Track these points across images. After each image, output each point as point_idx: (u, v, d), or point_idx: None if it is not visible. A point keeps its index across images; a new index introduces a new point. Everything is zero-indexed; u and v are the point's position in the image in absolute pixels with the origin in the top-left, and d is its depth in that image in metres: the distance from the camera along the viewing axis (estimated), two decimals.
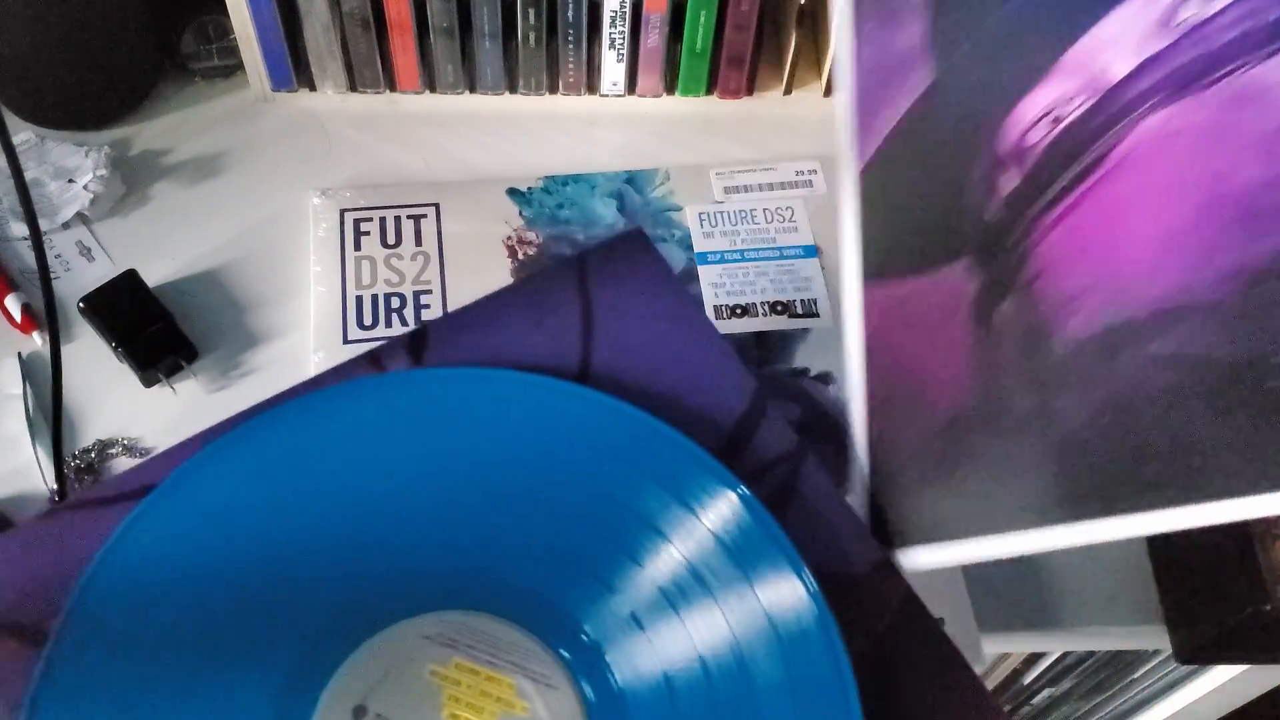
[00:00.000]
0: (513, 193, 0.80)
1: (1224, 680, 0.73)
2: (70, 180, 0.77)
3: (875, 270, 0.53)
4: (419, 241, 0.77)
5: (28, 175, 0.76)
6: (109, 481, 0.52)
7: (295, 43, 0.82)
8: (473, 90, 0.85)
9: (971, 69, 0.46)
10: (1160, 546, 0.58)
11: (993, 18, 0.46)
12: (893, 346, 0.53)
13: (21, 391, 0.68)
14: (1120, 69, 0.42)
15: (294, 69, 0.83)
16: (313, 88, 0.85)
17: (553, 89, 0.84)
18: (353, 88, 0.84)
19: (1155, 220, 0.41)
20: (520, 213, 0.79)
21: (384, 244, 0.77)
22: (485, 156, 0.83)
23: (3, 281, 0.73)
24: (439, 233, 0.77)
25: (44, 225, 0.75)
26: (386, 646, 0.48)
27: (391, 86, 0.84)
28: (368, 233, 0.77)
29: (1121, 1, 0.41)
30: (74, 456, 0.65)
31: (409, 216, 0.78)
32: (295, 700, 0.46)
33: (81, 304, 0.70)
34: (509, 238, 0.78)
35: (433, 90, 0.85)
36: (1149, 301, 0.40)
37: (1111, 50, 0.42)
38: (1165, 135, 0.41)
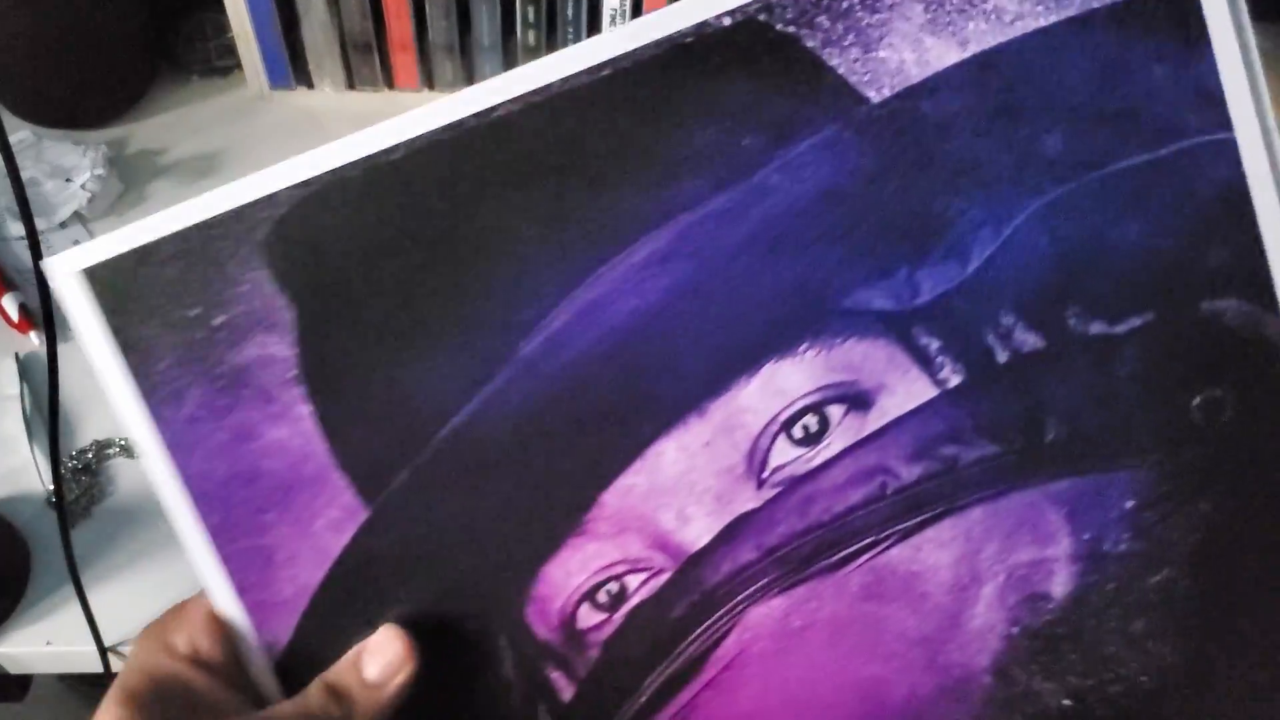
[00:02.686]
0: None
1: None
2: (67, 179, 0.77)
3: None
4: None
5: (25, 174, 0.75)
6: None
7: (293, 41, 0.81)
8: None
9: (435, 504, 0.33)
10: None
11: (448, 431, 0.33)
12: None
13: (18, 392, 0.67)
14: (698, 530, 0.33)
15: (292, 67, 0.83)
16: (311, 86, 0.84)
17: None
18: (351, 86, 0.84)
19: None
20: None
21: None
22: None
23: (0, 281, 0.72)
24: None
25: (41, 224, 0.75)
26: None
27: (390, 85, 0.84)
28: None
29: (677, 424, 0.33)
30: (71, 457, 0.65)
31: None
32: None
33: None
34: None
35: (431, 88, 0.84)
36: None
37: (675, 498, 0.33)
38: (788, 631, 0.34)
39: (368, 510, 0.33)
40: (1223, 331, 0.32)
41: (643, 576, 0.34)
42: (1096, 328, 0.32)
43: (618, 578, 0.34)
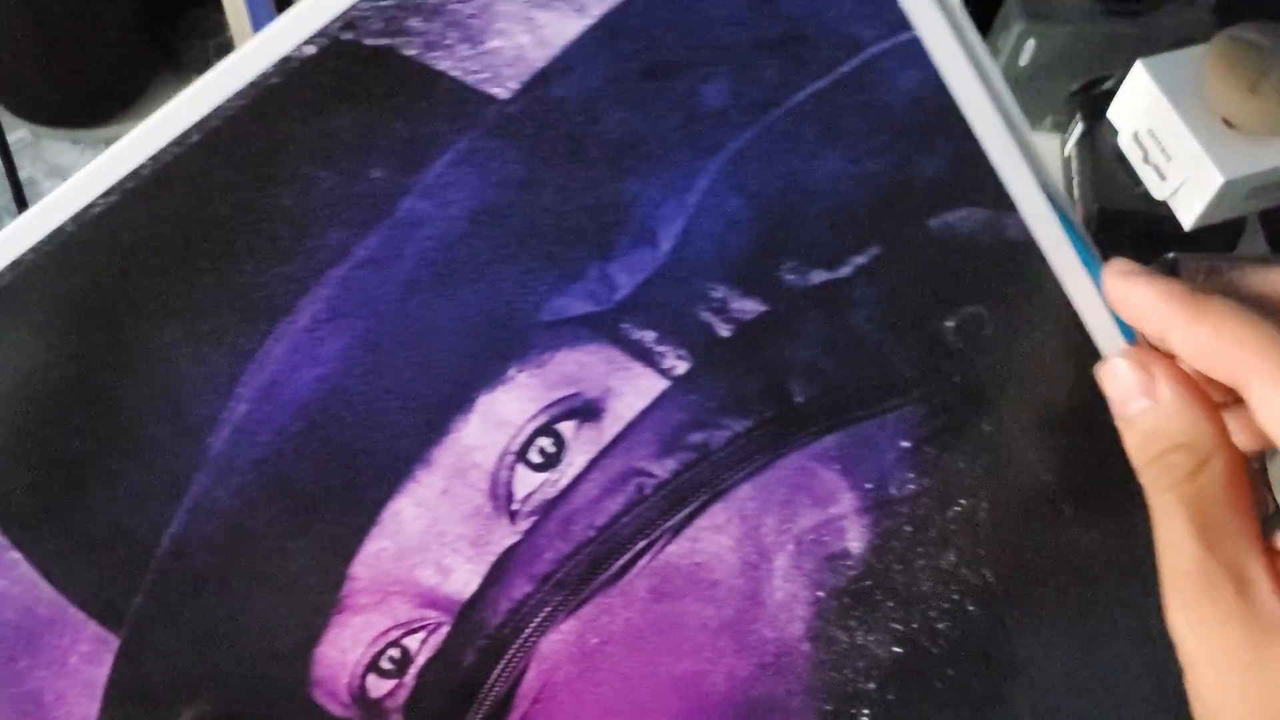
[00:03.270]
0: None
1: None
2: (64, 179, 0.74)
3: None
4: None
5: (22, 174, 0.73)
6: None
7: None
8: None
9: (183, 617, 0.32)
10: None
11: (167, 546, 0.31)
12: None
13: None
14: (464, 578, 0.31)
15: None
16: None
17: None
18: None
19: None
20: None
21: None
22: None
23: None
24: None
25: None
26: None
27: None
28: None
29: (405, 480, 0.31)
30: None
31: None
32: None
33: None
34: None
35: None
36: None
37: (429, 553, 0.31)
38: (587, 651, 0.32)
39: (118, 637, 0.31)
40: (961, 244, 0.29)
41: (421, 636, 0.32)
42: (818, 276, 0.29)
43: (396, 643, 0.32)
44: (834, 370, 0.30)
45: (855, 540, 0.32)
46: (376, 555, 0.31)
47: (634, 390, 0.30)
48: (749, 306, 0.29)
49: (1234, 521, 0.26)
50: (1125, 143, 0.62)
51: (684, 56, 0.27)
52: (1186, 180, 0.60)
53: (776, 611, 0.32)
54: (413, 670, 0.32)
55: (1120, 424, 0.28)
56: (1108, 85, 0.64)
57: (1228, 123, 0.59)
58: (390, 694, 0.32)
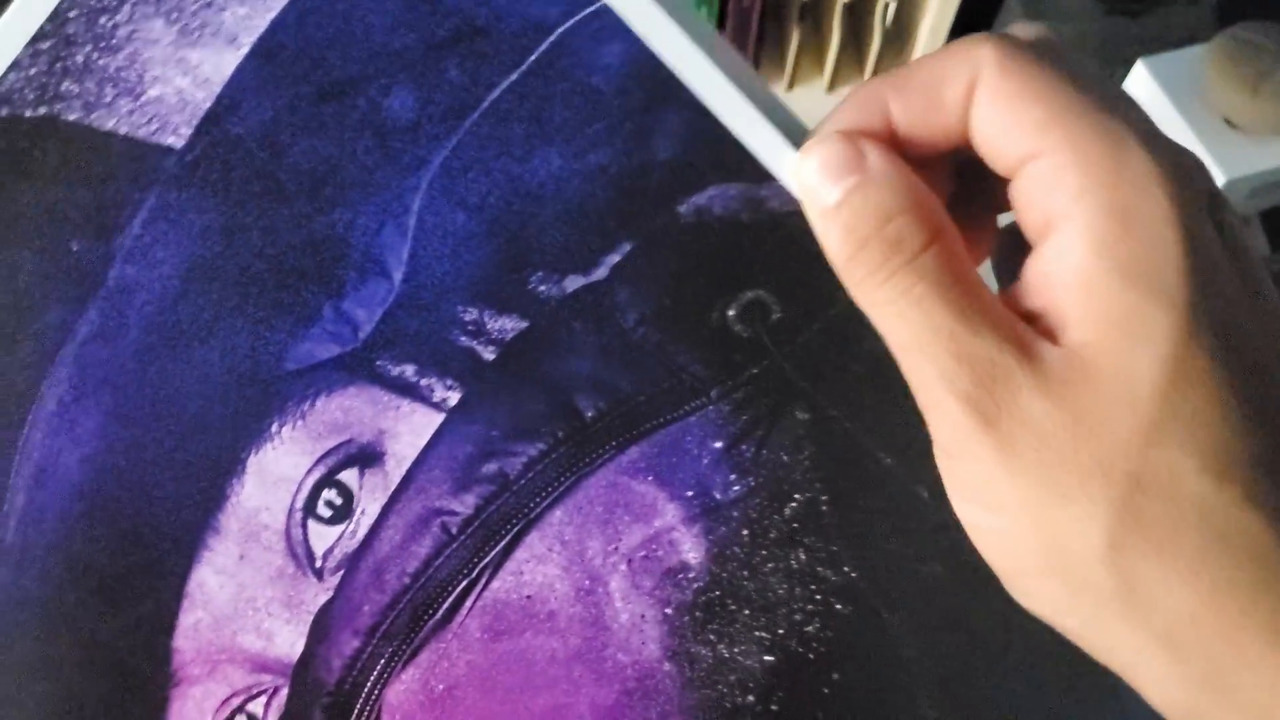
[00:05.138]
0: None
1: None
2: None
3: None
4: None
5: None
6: None
7: None
8: None
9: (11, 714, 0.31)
10: None
11: None
12: None
13: None
14: (288, 639, 0.30)
15: None
16: None
17: None
18: None
19: None
20: None
21: None
22: None
23: None
24: None
25: None
26: None
27: None
28: None
29: (199, 549, 0.30)
30: None
31: None
32: None
33: None
34: None
35: None
36: None
37: (246, 619, 0.30)
38: (435, 698, 0.31)
39: None
40: (720, 226, 0.26)
41: (264, 700, 0.31)
42: (573, 283, 0.27)
43: (241, 709, 0.31)
44: (617, 379, 0.27)
45: (691, 551, 0.29)
46: (195, 627, 0.30)
47: (409, 428, 0.28)
48: (507, 324, 0.27)
49: (986, 294, 0.20)
50: None
51: (355, 72, 0.24)
52: None
53: (626, 635, 0.30)
54: None
55: (821, 221, 0.21)
56: None
57: (1229, 122, 0.60)
58: None
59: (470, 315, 0.26)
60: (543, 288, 0.26)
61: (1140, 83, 0.61)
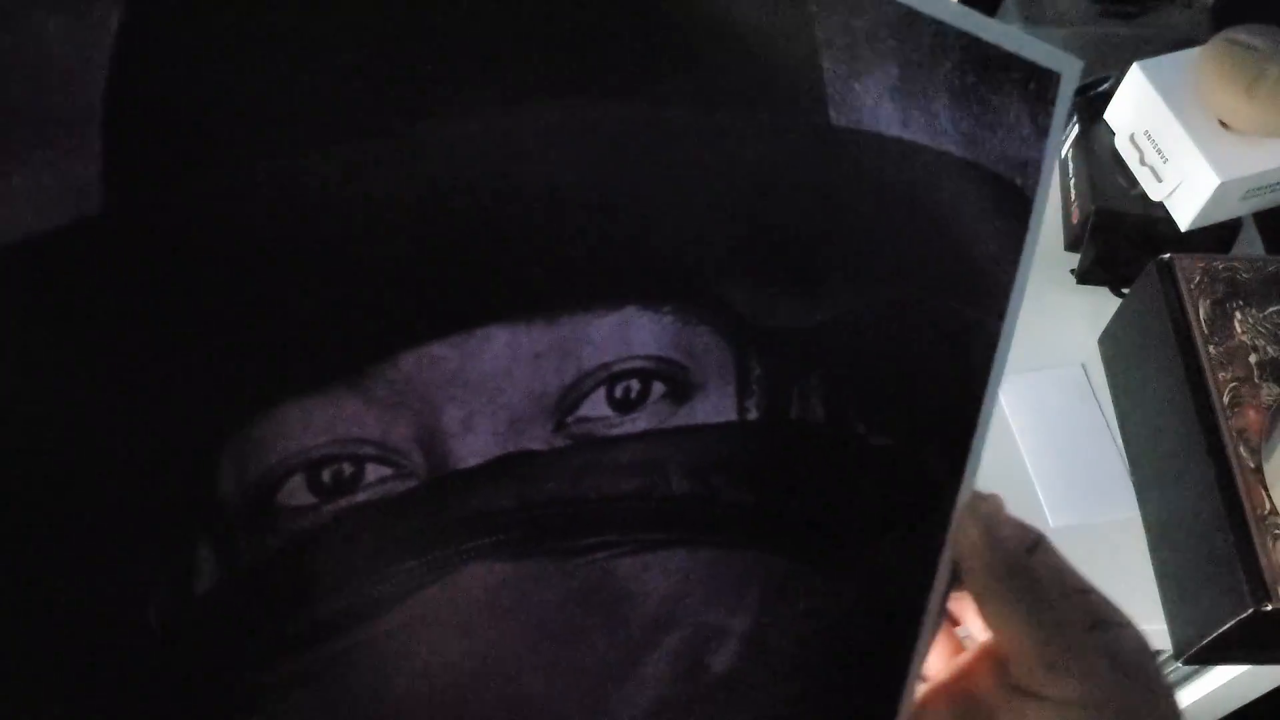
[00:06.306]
0: None
1: (1224, 680, 0.70)
2: None
3: None
4: None
5: None
6: None
7: None
8: None
9: None
10: (1161, 546, 0.58)
11: None
12: None
13: None
14: (474, 447, 0.26)
15: None
16: None
17: None
18: None
19: None
20: None
21: None
22: None
23: None
24: None
25: None
26: None
27: None
28: None
29: (522, 318, 0.26)
30: None
31: None
32: None
33: None
34: None
35: None
36: None
37: (473, 398, 0.26)
38: (496, 607, 0.27)
39: None
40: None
41: (385, 473, 0.25)
42: (879, 440, 0.29)
43: (356, 460, 0.25)
44: (833, 503, 0.30)
45: (721, 661, 0.29)
46: (434, 361, 0.25)
47: (716, 403, 0.26)
48: (818, 411, 0.30)
49: None
50: (1122, 144, 0.62)
51: None
52: (1183, 181, 0.60)
53: (634, 687, 0.29)
54: (341, 503, 0.25)
55: None
56: (1104, 87, 0.64)
57: (1224, 124, 0.60)
58: (299, 511, 0.25)
59: (814, 383, 0.30)
60: (857, 423, 0.31)
61: (1135, 85, 0.61)
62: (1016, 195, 0.29)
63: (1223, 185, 0.60)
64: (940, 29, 0.28)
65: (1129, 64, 0.61)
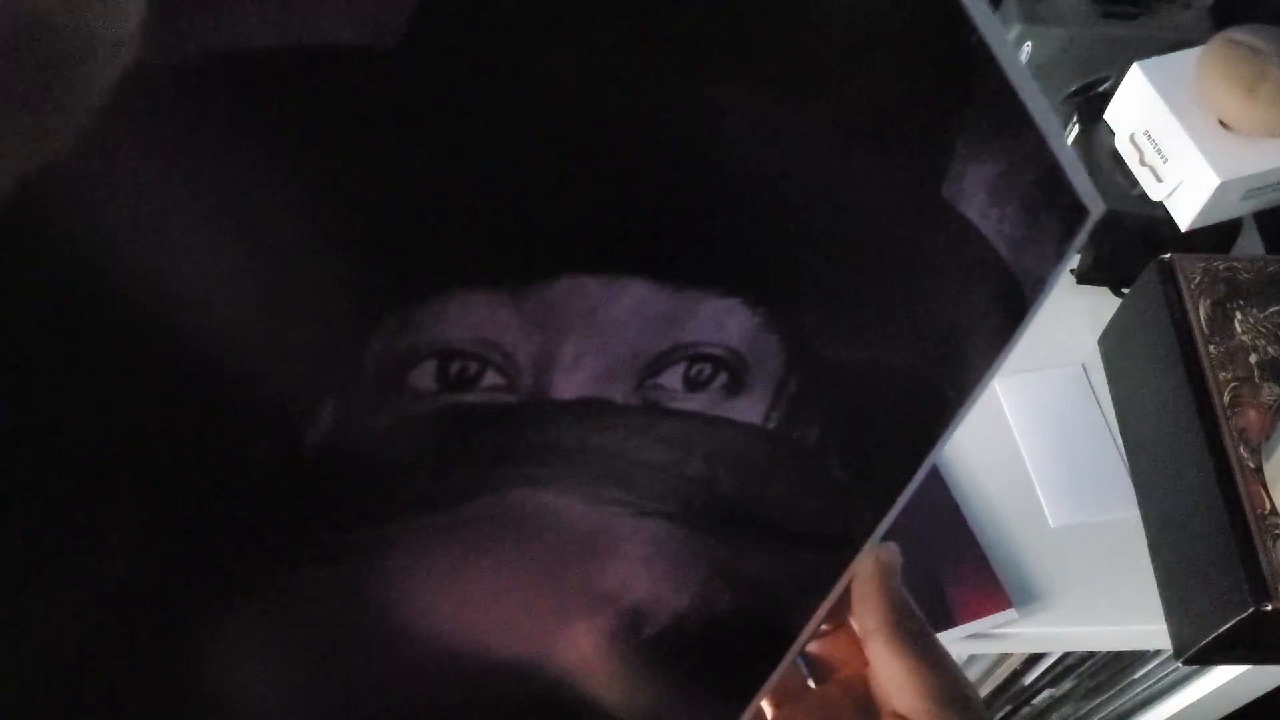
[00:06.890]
0: None
1: (1224, 680, 0.71)
2: None
3: None
4: None
5: None
6: None
7: None
8: None
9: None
10: (1161, 546, 0.58)
11: None
12: None
13: None
14: (574, 382, 0.27)
15: None
16: None
17: None
18: None
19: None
20: None
21: None
22: None
23: None
24: None
25: None
26: None
27: None
28: None
29: (667, 279, 0.27)
30: None
31: None
32: None
33: None
34: None
35: None
36: None
37: (593, 336, 0.27)
38: (522, 532, 0.28)
39: None
40: None
41: (499, 382, 0.26)
42: (839, 474, 0.33)
43: (484, 362, 0.26)
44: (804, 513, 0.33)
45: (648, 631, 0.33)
46: (580, 290, 0.26)
47: (750, 401, 0.30)
48: (813, 433, 0.33)
49: None
50: (1122, 144, 0.62)
51: None
52: (1183, 181, 0.60)
53: (579, 636, 0.32)
54: (451, 399, 0.26)
55: None
56: (1104, 87, 0.64)
57: (1224, 125, 0.60)
58: (419, 396, 0.26)
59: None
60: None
61: (1136, 85, 0.61)
62: (1020, 302, 0.31)
63: (1223, 185, 0.60)
64: (1040, 143, 0.29)
65: (1129, 64, 0.61)
